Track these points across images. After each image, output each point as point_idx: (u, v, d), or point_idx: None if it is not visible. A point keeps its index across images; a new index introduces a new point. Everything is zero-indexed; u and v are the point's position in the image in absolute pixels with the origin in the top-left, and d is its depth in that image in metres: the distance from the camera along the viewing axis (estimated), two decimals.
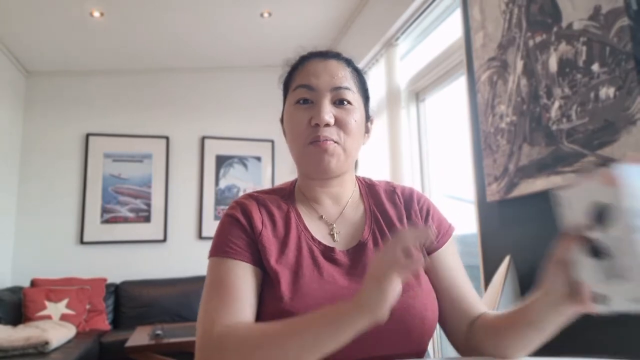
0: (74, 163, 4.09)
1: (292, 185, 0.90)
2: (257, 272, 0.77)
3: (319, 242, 0.81)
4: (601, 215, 0.53)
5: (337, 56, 0.86)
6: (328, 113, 0.78)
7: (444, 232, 0.86)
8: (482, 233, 1.91)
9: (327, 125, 0.78)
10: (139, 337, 2.79)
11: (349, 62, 0.86)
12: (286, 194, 0.88)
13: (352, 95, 0.82)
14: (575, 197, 0.56)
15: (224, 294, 0.72)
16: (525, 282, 1.61)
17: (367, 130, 0.88)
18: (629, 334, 1.25)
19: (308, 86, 0.80)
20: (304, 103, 0.80)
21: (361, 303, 0.58)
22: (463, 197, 2.33)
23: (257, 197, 0.85)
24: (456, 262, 0.85)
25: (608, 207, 0.52)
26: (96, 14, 3.23)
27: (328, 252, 0.80)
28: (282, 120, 0.89)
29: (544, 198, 1.56)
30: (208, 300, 0.73)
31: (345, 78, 0.82)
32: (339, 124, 0.80)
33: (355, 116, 0.81)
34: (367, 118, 0.88)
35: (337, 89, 0.80)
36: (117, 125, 4.22)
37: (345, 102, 0.80)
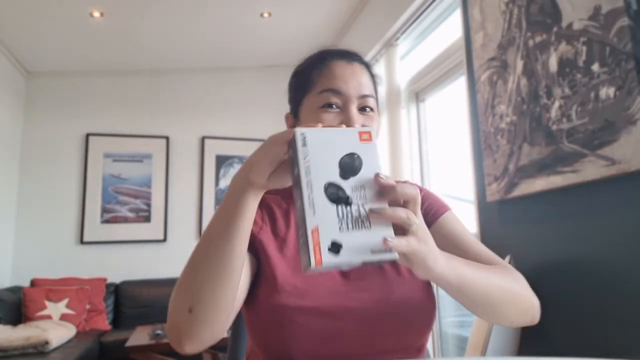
0: (74, 163, 4.09)
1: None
2: (252, 260, 0.77)
3: None
4: (348, 163, 0.55)
5: (360, 59, 0.86)
6: (359, 122, 0.79)
7: (437, 208, 0.86)
8: (482, 233, 1.91)
9: None
10: (139, 336, 2.79)
11: (368, 67, 0.87)
12: (287, 194, 0.88)
13: (374, 102, 0.83)
14: (323, 138, 0.56)
15: None
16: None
17: None
18: (630, 333, 1.25)
19: (337, 91, 0.79)
20: (329, 107, 0.79)
21: (241, 167, 0.62)
22: (463, 197, 2.33)
23: None
24: (458, 230, 0.83)
25: (357, 158, 0.55)
26: (96, 14, 3.23)
27: None
28: (288, 118, 0.89)
29: (544, 198, 1.57)
30: None
31: (369, 85, 0.83)
32: None
33: (377, 122, 0.83)
34: None
35: (364, 97, 0.81)
36: (117, 125, 4.22)
37: (369, 109, 0.82)
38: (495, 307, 0.68)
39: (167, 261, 4.11)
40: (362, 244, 0.52)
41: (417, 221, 0.55)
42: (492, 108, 1.82)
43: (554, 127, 1.48)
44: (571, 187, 1.43)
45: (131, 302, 3.77)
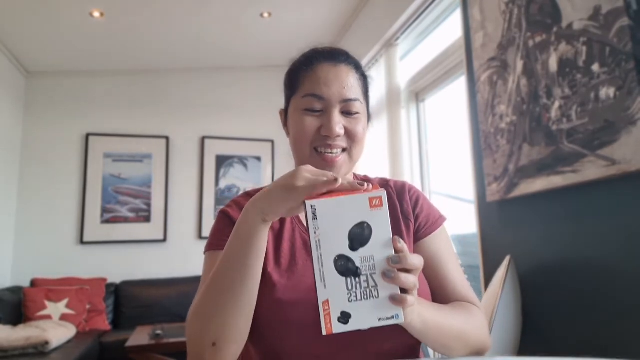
0: (74, 163, 4.09)
1: None
2: None
3: None
4: (357, 234, 0.57)
5: (347, 60, 0.85)
6: (339, 124, 0.80)
7: (432, 221, 0.87)
8: (482, 233, 1.91)
9: (338, 136, 0.80)
10: (139, 337, 2.80)
11: (357, 67, 0.87)
12: None
13: (360, 105, 0.83)
14: (333, 210, 0.57)
15: None
16: (526, 282, 1.61)
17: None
18: (629, 334, 1.25)
19: (318, 96, 0.80)
20: (312, 111, 0.81)
21: (253, 200, 0.66)
22: (463, 197, 2.33)
23: (253, 195, 0.86)
24: (444, 251, 0.85)
25: (367, 227, 0.57)
26: (96, 14, 3.23)
27: None
28: (281, 114, 0.91)
29: (544, 198, 1.57)
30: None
31: (354, 87, 0.83)
32: (348, 133, 0.82)
33: (362, 125, 0.83)
34: (368, 120, 0.90)
35: (347, 100, 0.81)
36: (117, 125, 4.22)
37: (354, 113, 0.82)
38: (447, 346, 0.73)
39: (167, 261, 4.11)
40: (370, 313, 0.56)
41: (418, 285, 0.60)
42: (492, 108, 1.82)
43: (554, 128, 1.48)
44: (571, 187, 1.43)
45: (131, 302, 3.76)
